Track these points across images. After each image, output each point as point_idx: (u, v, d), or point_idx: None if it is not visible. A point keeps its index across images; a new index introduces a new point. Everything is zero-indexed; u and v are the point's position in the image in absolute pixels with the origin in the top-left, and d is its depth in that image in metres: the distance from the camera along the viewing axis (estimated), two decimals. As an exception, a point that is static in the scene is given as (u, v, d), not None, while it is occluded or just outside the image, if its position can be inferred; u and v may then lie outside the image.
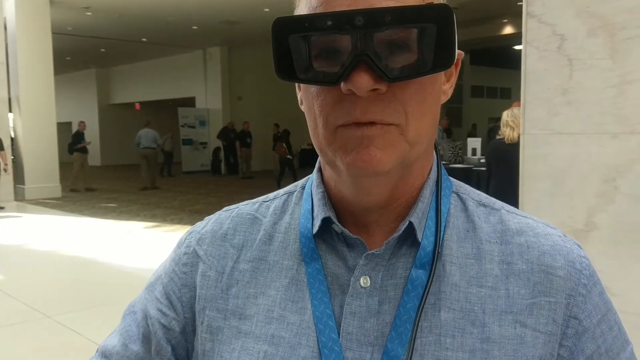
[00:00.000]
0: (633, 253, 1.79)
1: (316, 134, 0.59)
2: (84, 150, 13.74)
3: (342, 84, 0.54)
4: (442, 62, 0.54)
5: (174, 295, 0.70)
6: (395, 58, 0.54)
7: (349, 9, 0.53)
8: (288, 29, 0.55)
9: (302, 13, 0.59)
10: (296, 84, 0.65)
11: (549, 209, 1.95)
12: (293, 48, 0.55)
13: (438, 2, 0.59)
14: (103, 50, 19.66)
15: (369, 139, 0.55)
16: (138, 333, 0.70)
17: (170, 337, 0.69)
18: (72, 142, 13.89)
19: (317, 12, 0.56)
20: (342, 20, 0.52)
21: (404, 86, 0.55)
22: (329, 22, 0.53)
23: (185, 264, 0.71)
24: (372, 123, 0.55)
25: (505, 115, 4.80)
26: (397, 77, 0.53)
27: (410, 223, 0.61)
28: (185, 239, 0.74)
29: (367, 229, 0.64)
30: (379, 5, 0.53)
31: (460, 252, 0.63)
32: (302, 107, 0.64)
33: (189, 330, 0.69)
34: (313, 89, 0.58)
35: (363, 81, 0.52)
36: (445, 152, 9.01)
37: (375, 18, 0.52)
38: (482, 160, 7.03)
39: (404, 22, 0.52)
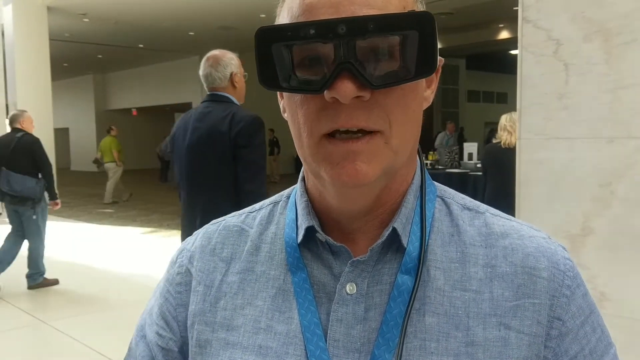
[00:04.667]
0: (630, 257, 1.79)
1: (300, 143, 0.60)
2: None
3: (325, 92, 0.54)
4: (424, 68, 0.54)
5: (170, 316, 0.70)
6: (378, 65, 0.54)
7: (331, 17, 0.54)
8: (271, 38, 0.55)
9: (283, 22, 0.59)
10: (278, 94, 0.66)
11: (546, 213, 1.96)
12: (276, 57, 0.55)
13: (418, 9, 0.60)
14: (100, 56, 19.65)
15: (354, 154, 0.56)
16: (148, 357, 0.71)
17: (169, 358, 0.70)
18: None
19: (299, 20, 0.56)
20: (325, 29, 0.53)
21: (387, 93, 0.55)
22: (312, 31, 0.53)
23: (179, 284, 0.71)
24: (357, 134, 0.55)
25: (504, 120, 4.80)
26: (380, 85, 0.54)
27: (394, 229, 0.62)
28: (177, 258, 0.74)
29: (352, 236, 0.64)
30: (360, 14, 0.54)
31: (445, 256, 0.63)
32: (285, 116, 0.65)
33: (186, 349, 0.69)
34: (297, 97, 0.58)
35: (347, 89, 0.53)
36: (441, 157, 9.03)
37: (358, 26, 0.52)
38: (479, 165, 7.03)
39: (386, 29, 0.53)
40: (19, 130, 5.45)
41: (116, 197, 12.98)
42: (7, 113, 12.56)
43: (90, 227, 9.52)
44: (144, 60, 20.68)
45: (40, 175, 5.38)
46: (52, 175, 5.53)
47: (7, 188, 5.20)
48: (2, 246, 5.49)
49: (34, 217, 5.37)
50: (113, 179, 12.78)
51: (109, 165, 12.72)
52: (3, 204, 5.64)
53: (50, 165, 5.56)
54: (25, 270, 5.68)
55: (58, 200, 5.63)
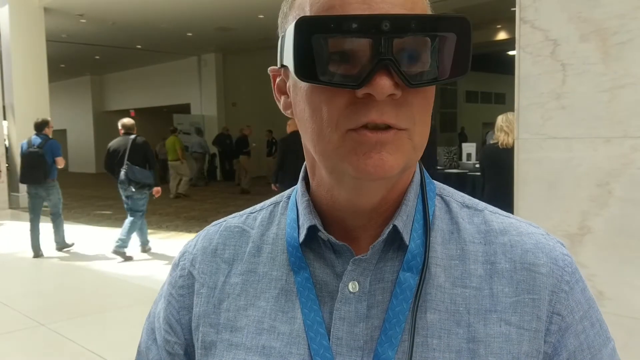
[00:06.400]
0: (627, 257, 1.79)
1: (321, 138, 0.58)
2: (250, 154, 15.44)
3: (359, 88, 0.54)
4: (459, 70, 0.56)
5: (173, 319, 0.71)
6: (414, 64, 0.55)
7: (365, 13, 0.54)
8: (312, 29, 0.54)
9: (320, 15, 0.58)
10: (276, 91, 0.66)
11: (544, 213, 1.96)
12: (316, 49, 0.54)
13: (433, 11, 0.61)
14: (97, 57, 19.62)
15: (382, 144, 0.55)
16: None
17: None
18: (238, 146, 15.59)
19: (329, 14, 0.56)
20: (368, 24, 0.53)
21: (415, 93, 0.56)
22: (355, 25, 0.53)
23: (182, 287, 0.72)
24: (387, 128, 0.55)
25: (500, 120, 4.81)
26: (417, 83, 0.54)
27: (395, 227, 0.62)
28: (179, 262, 0.74)
29: (354, 234, 0.65)
30: (392, 12, 0.54)
31: (445, 253, 0.64)
32: (287, 113, 0.65)
33: (190, 351, 0.70)
34: (323, 94, 0.57)
35: (385, 85, 0.53)
36: (440, 157, 9.04)
37: (401, 24, 0.53)
38: (477, 165, 7.04)
39: (428, 29, 0.54)
40: (131, 133, 7.01)
41: (182, 189, 13.97)
42: (4, 114, 12.59)
43: (89, 228, 9.51)
44: (142, 61, 20.66)
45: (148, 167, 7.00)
46: (157, 168, 7.21)
47: (132, 177, 6.77)
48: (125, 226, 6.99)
49: (147, 198, 6.99)
50: (180, 176, 14.01)
51: (173, 164, 13.96)
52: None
53: (155, 160, 7.24)
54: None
55: (159, 188, 7.14)
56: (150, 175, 6.91)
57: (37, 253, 7.15)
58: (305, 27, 0.54)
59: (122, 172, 6.75)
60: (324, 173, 0.64)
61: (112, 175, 6.96)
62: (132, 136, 7.00)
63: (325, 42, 0.54)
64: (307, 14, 0.58)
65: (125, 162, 6.78)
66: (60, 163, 7.25)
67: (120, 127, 7.08)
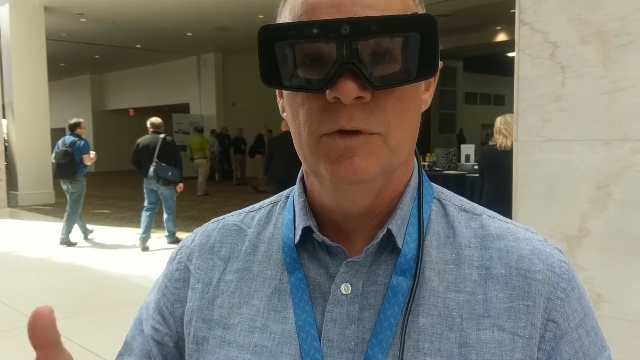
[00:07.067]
0: (626, 259, 1.79)
1: (300, 142, 0.60)
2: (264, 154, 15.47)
3: (327, 92, 0.54)
4: (425, 70, 0.55)
5: (167, 311, 0.71)
6: (379, 66, 0.55)
7: (334, 17, 0.54)
8: (274, 37, 0.55)
9: (285, 22, 0.60)
10: (277, 93, 0.67)
11: (542, 215, 1.96)
12: (279, 55, 0.56)
13: (420, 12, 0.61)
14: (97, 56, 19.62)
15: (352, 150, 0.56)
16: (145, 350, 0.72)
17: (165, 353, 0.70)
18: (255, 145, 16.05)
19: (302, 20, 0.57)
20: (328, 29, 0.53)
21: (387, 95, 0.56)
22: (315, 30, 0.53)
23: (178, 280, 0.72)
24: (357, 133, 0.55)
25: (498, 123, 4.81)
26: (381, 86, 0.54)
27: (389, 230, 0.62)
28: (176, 255, 0.75)
29: (349, 236, 0.65)
30: (362, 15, 0.54)
31: (440, 257, 0.63)
32: (284, 115, 0.65)
33: (181, 344, 0.70)
34: (298, 97, 0.58)
35: (349, 89, 0.53)
36: (438, 158, 9.03)
37: (361, 27, 0.53)
38: (476, 167, 7.03)
39: (389, 31, 0.53)
40: (160, 132, 7.46)
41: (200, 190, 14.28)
42: (4, 113, 12.58)
43: (88, 227, 9.48)
44: (142, 61, 20.65)
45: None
46: (182, 166, 7.69)
47: (161, 174, 7.25)
48: (144, 220, 7.57)
49: (175, 193, 7.51)
50: (203, 174, 14.60)
51: (199, 161, 14.55)
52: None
53: (181, 158, 7.69)
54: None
55: (182, 184, 7.68)
56: (177, 173, 7.41)
57: (67, 242, 7.65)
58: (267, 36, 0.55)
59: (152, 169, 7.21)
60: (310, 176, 0.65)
61: (139, 170, 7.43)
62: (162, 135, 7.44)
63: (290, 49, 0.55)
64: (288, 20, 0.59)
65: (155, 159, 7.22)
66: (87, 160, 7.67)
67: (149, 126, 7.53)
